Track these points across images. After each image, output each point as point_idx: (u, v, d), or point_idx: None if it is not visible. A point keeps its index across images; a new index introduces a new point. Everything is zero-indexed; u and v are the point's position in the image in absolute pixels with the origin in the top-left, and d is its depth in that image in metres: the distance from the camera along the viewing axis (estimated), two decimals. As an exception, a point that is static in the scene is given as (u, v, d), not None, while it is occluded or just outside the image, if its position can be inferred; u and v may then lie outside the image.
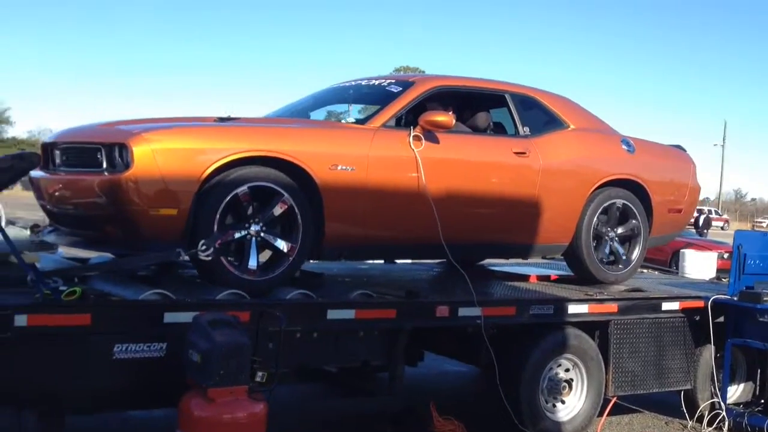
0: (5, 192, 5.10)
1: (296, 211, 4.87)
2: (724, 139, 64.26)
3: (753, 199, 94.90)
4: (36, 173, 5.16)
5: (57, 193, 4.96)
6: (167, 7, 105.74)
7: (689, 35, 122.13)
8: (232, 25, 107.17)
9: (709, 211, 41.33)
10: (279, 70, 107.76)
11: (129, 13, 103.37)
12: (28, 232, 4.93)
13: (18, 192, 23.13)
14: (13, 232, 4.52)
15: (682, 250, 11.77)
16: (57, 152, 5.00)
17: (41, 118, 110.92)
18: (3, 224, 4.49)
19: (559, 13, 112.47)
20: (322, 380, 5.93)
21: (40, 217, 5.51)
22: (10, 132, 58.73)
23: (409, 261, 7.64)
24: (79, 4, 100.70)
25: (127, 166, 4.42)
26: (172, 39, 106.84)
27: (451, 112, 5.91)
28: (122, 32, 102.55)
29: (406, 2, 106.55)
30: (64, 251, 5.72)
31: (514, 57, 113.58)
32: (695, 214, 24.74)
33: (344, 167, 5.05)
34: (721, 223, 48.99)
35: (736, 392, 6.74)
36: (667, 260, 15.25)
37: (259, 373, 4.01)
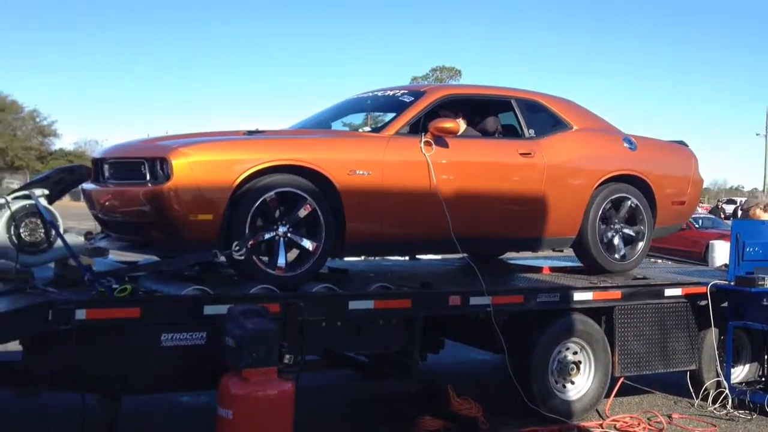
0: (56, 203, 5.71)
1: (319, 213, 5.40)
2: (766, 128, 63.44)
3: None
4: (88, 186, 5.79)
5: (107, 203, 5.56)
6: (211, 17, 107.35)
7: (728, 23, 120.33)
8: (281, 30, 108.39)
9: (746, 202, 40.98)
10: (311, 77, 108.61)
11: (171, 21, 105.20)
12: (82, 239, 5.52)
13: (67, 203, 24.04)
14: (69, 238, 5.10)
15: (711, 241, 11.93)
16: (106, 166, 5.61)
17: (87, 129, 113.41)
18: (61, 232, 5.09)
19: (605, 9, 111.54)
20: (349, 367, 6.47)
21: (88, 226, 6.11)
22: (57, 144, 60.24)
23: (431, 257, 8.16)
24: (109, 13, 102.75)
25: (167, 177, 5.00)
26: (220, 48, 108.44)
27: (461, 119, 6.43)
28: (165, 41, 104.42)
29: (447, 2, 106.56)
30: (115, 257, 6.33)
31: (554, 59, 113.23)
32: (731, 206, 24.66)
33: (362, 172, 5.57)
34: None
35: (741, 372, 7.13)
36: (701, 252, 15.47)
37: (287, 356, 4.55)
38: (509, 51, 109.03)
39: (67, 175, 6.19)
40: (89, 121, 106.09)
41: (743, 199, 45.49)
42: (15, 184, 34.72)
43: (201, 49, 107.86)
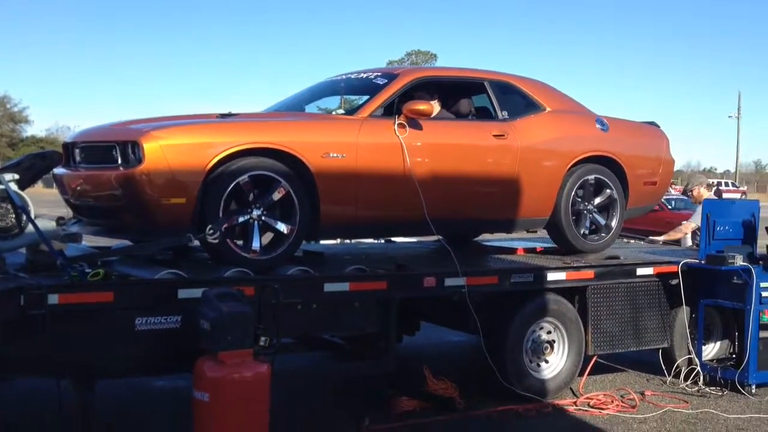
0: (29, 189, 5.66)
1: (293, 196, 5.39)
2: (739, 111, 64.13)
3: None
4: (59, 170, 5.74)
5: (78, 188, 5.52)
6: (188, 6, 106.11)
7: (699, 6, 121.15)
8: (246, 16, 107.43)
9: (718, 183, 41.45)
10: (289, 60, 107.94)
11: (147, 10, 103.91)
12: (54, 224, 5.48)
13: (39, 189, 23.81)
14: (41, 223, 5.06)
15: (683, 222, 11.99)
16: (77, 151, 5.56)
17: (59, 115, 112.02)
18: (32, 217, 5.04)
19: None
20: (327, 349, 6.49)
21: (60, 212, 6.05)
22: (29, 130, 59.56)
23: (406, 239, 8.19)
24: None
25: (139, 161, 4.97)
26: (193, 35, 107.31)
27: (436, 101, 6.44)
28: (138, 28, 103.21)
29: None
30: (88, 242, 6.29)
31: (530, 42, 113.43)
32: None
33: (335, 155, 5.57)
34: (738, 195, 49.02)
35: (713, 350, 7.24)
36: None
37: (262, 338, 4.55)
38: (485, 36, 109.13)
39: (39, 161, 6.12)
40: (61, 107, 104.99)
41: (716, 181, 46.11)
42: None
43: (176, 33, 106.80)
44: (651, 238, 8.95)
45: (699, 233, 7.87)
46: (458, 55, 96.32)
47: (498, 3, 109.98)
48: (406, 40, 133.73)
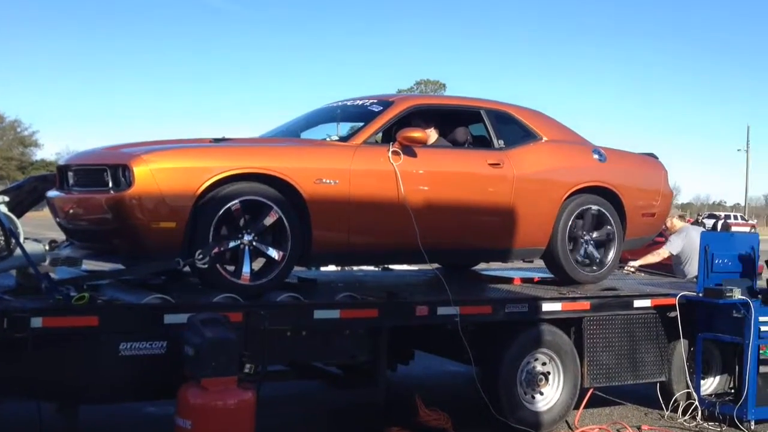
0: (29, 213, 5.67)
1: (285, 222, 5.35)
2: (747, 144, 64.11)
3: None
4: (52, 193, 5.73)
5: (70, 211, 5.50)
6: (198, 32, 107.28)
7: (709, 41, 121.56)
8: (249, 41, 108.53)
9: (727, 216, 41.37)
10: (296, 87, 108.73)
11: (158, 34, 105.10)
12: (42, 246, 5.45)
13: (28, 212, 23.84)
14: (28, 246, 5.03)
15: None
16: (70, 174, 5.56)
17: (69, 139, 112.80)
18: (21, 240, 5.02)
19: (591, 25, 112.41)
20: (318, 377, 6.42)
21: (49, 235, 6.05)
22: (39, 154, 59.99)
23: (404, 267, 8.15)
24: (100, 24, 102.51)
25: (129, 184, 4.95)
26: (203, 61, 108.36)
27: (432, 129, 6.43)
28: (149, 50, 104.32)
29: (431, 15, 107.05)
30: (88, 266, 6.26)
31: (540, 71, 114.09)
32: (711, 220, 25.00)
33: (328, 181, 5.54)
34: (747, 229, 48.88)
35: (712, 384, 7.13)
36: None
37: (248, 365, 4.50)
38: (494, 65, 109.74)
39: (40, 184, 6.15)
40: (72, 131, 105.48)
41: (724, 214, 45.99)
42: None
43: (185, 61, 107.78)
44: (631, 264, 8.91)
45: (674, 259, 8.93)
46: (467, 85, 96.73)
47: (506, 36, 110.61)
48: (417, 70, 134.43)
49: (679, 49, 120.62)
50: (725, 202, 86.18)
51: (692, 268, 8.61)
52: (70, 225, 5.61)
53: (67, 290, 4.66)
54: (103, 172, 5.16)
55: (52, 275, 4.96)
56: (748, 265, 6.98)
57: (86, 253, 5.66)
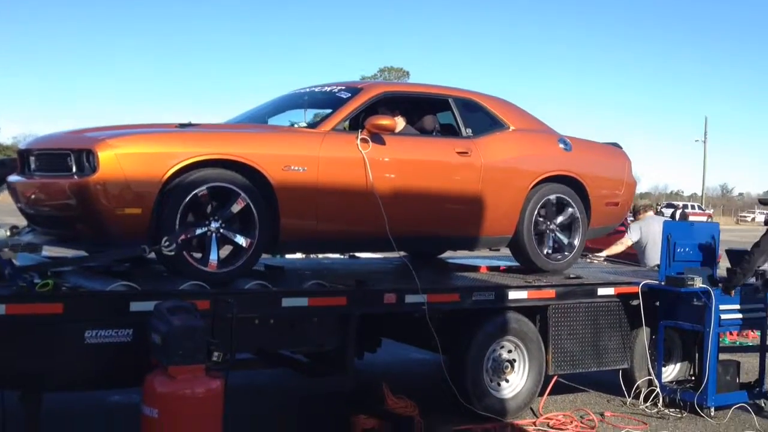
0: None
1: (253, 209, 5.30)
2: (705, 135, 65.00)
3: (740, 194, 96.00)
4: (13, 178, 5.61)
5: (32, 196, 5.39)
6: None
7: (667, 33, 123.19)
8: (220, 22, 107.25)
9: (685, 206, 42.04)
10: (260, 72, 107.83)
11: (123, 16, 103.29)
12: (3, 232, 5.34)
13: None
14: (-9, 233, 4.95)
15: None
16: (31, 158, 5.44)
17: (26, 123, 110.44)
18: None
19: (553, 13, 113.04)
20: (284, 365, 6.39)
21: (9, 221, 5.93)
22: (-5, 138, 58.51)
23: (371, 255, 8.13)
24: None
25: (94, 170, 4.86)
26: (168, 44, 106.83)
27: (399, 117, 6.41)
28: (113, 35, 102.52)
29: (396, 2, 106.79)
30: (48, 252, 6.14)
31: (504, 60, 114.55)
32: (670, 210, 25.41)
33: (296, 168, 5.50)
34: (704, 218, 49.69)
35: (673, 371, 7.25)
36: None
37: (215, 353, 4.44)
38: (457, 53, 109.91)
39: None
40: (29, 114, 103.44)
41: (682, 203, 46.69)
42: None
43: (146, 43, 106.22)
44: (597, 254, 9.07)
45: (636, 247, 9.28)
46: (430, 73, 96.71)
47: (471, 24, 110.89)
48: (380, 56, 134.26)
49: (639, 38, 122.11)
50: (683, 192, 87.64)
51: (650, 256, 8.79)
52: (32, 210, 5.50)
53: (30, 277, 4.57)
54: (66, 157, 5.05)
55: (15, 262, 4.84)
56: (708, 254, 7.09)
57: (48, 239, 5.55)
